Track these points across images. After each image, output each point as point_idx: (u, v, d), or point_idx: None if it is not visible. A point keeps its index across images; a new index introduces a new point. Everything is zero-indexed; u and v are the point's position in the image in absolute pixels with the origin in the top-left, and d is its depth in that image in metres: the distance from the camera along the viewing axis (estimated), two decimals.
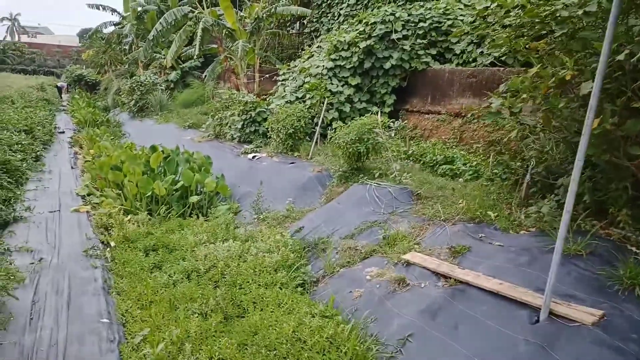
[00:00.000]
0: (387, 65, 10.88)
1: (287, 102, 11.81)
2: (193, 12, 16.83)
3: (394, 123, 8.39)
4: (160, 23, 16.29)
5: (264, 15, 16.11)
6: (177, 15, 16.39)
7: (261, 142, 11.25)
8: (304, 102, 11.71)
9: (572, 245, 4.63)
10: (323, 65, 11.45)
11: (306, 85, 11.40)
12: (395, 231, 6.02)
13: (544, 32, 5.73)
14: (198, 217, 8.15)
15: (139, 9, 27.06)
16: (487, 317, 4.26)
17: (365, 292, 5.04)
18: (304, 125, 10.05)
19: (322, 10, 16.77)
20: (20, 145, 10.82)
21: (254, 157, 10.29)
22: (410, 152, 8.94)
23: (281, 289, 5.03)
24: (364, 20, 11.62)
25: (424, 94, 10.89)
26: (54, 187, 9.12)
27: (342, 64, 11.42)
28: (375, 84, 11.29)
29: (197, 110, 19.27)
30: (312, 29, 17.30)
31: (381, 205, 6.79)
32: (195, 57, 15.59)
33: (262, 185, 8.15)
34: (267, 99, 12.66)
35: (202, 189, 8.58)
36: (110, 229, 6.88)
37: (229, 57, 17.53)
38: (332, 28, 16.00)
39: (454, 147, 9.23)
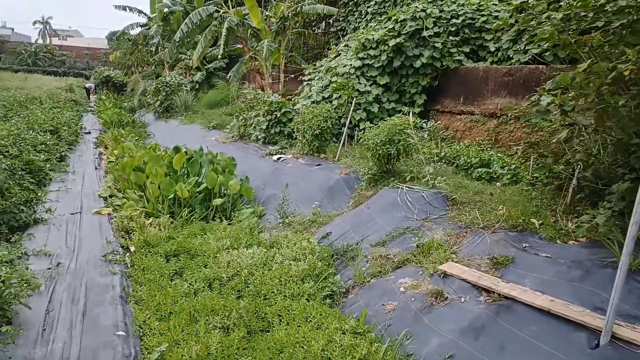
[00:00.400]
0: (418, 64, 10.43)
1: (313, 102, 11.49)
2: (218, 11, 16.70)
3: (426, 124, 7.95)
4: (186, 23, 16.20)
5: (290, 14, 15.85)
6: (203, 15, 16.27)
7: (286, 143, 10.95)
8: (331, 102, 11.36)
9: (635, 260, 4.15)
10: (350, 64, 11.08)
11: (333, 85, 11.05)
12: (429, 239, 5.61)
13: (594, 24, 5.25)
14: (221, 221, 7.89)
15: (165, 10, 27.21)
16: (538, 339, 3.82)
17: (400, 306, 4.65)
18: (330, 125, 9.70)
19: (349, 8, 16.40)
20: (45, 146, 10.78)
21: (279, 158, 9.98)
22: (442, 154, 8.48)
23: (308, 301, 4.68)
24: (393, 18, 11.21)
25: (456, 94, 10.40)
26: (77, 188, 9.00)
27: (370, 62, 11.04)
28: (405, 83, 10.86)
29: (221, 111, 19.15)
30: (339, 28, 16.95)
31: (414, 210, 6.38)
32: (219, 57, 15.36)
33: (287, 188, 7.82)
34: (293, 99, 12.36)
35: (225, 191, 8.31)
36: (131, 233, 6.66)
37: (254, 57, 17.34)
38: (359, 27, 15.61)
39: (489, 148, 8.73)
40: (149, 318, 4.35)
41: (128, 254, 5.86)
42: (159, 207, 7.56)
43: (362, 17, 15.56)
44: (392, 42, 10.58)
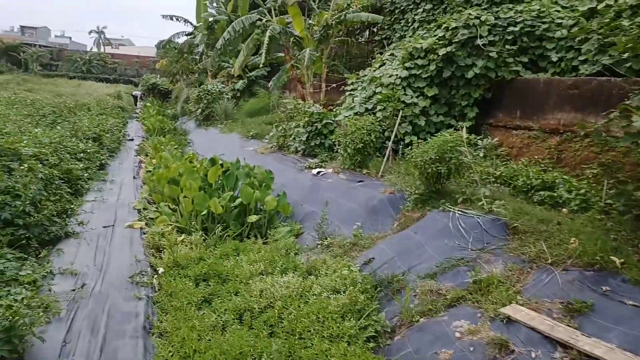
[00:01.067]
0: (470, 74, 9.71)
1: (355, 113, 10.95)
2: (261, 20, 16.50)
3: (482, 140, 7.24)
4: (228, 32, 16.08)
5: (334, 22, 15.43)
6: (245, 24, 16.11)
7: (326, 156, 10.45)
8: (374, 113, 10.80)
9: None
10: (396, 74, 10.48)
11: (377, 96, 10.49)
12: (488, 274, 4.92)
13: None
14: (256, 238, 7.46)
15: (210, 19, 27.51)
16: None
17: (456, 356, 4.01)
18: (374, 139, 9.13)
19: (395, 16, 15.80)
20: (85, 154, 10.75)
21: (318, 172, 9.49)
22: (497, 173, 7.72)
23: (349, 345, 4.11)
24: (443, 25, 10.53)
25: (512, 107, 9.60)
26: (113, 198, 8.83)
27: (417, 72, 10.40)
28: (455, 95, 10.14)
29: (261, 120, 18.94)
30: (383, 36, 16.37)
31: (468, 238, 5.70)
32: (261, 65, 15.11)
33: (327, 206, 7.29)
34: (334, 110, 11.87)
35: (261, 207, 7.88)
36: (162, 250, 6.32)
37: (296, 65, 17.03)
38: (406, 35, 14.97)
39: (550, 168, 7.90)
40: (171, 356, 3.91)
41: (156, 276, 5.48)
42: (191, 223, 7.20)
43: (409, 25, 14.92)
44: (442, 51, 9.91)
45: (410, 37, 14.44)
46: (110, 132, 15.55)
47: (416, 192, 7.13)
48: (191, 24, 29.95)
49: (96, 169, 10.87)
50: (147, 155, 14.52)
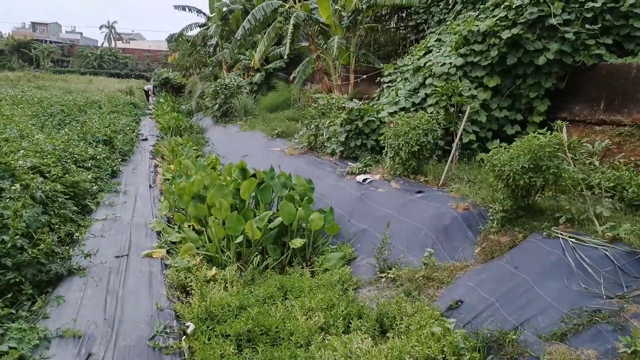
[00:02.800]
0: (541, 61, 8.19)
1: (401, 109, 9.51)
2: (283, 6, 15.03)
3: (598, 144, 5.74)
4: (248, 20, 14.66)
5: (364, 6, 13.92)
6: (267, 11, 14.67)
7: (370, 159, 9.02)
8: (423, 109, 9.34)
9: None
10: (451, 63, 8.98)
11: (427, 89, 9.03)
12: None
13: None
14: (301, 267, 6.12)
15: (224, 9, 26.14)
16: None
17: None
18: (432, 140, 7.68)
19: None
20: (95, 160, 9.47)
21: (364, 180, 8.08)
22: (596, 180, 6.23)
23: None
24: (504, 4, 9.00)
25: (594, 98, 8.08)
26: (127, 215, 7.52)
27: (474, 60, 8.91)
28: (520, 86, 8.64)
29: (283, 115, 17.55)
30: (419, 20, 14.81)
31: (598, 279, 4.27)
32: (285, 56, 13.71)
33: (389, 228, 5.89)
34: (372, 105, 10.40)
35: (304, 225, 6.50)
36: (189, 292, 4.99)
37: (322, 56, 15.56)
38: (446, 19, 13.42)
39: None
40: None
41: (185, 337, 4.14)
42: (223, 250, 5.87)
43: (450, 7, 13.35)
44: (505, 34, 8.39)
45: (452, 20, 12.90)
46: (122, 132, 14.29)
47: (502, 208, 5.69)
48: (204, 14, 28.59)
49: (107, 177, 9.59)
50: (163, 158, 13.24)
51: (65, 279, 5.06)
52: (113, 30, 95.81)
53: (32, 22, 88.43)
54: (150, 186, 9.65)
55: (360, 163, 8.86)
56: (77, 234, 6.08)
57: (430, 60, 9.88)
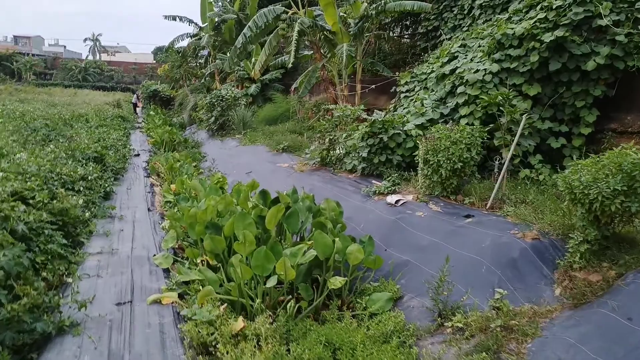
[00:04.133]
0: (590, 66, 7.35)
1: (428, 120, 8.62)
2: (286, 12, 14.15)
3: None
4: (249, 27, 13.72)
5: (373, 12, 13.09)
6: (269, 18, 13.76)
7: (397, 176, 8.07)
8: (453, 120, 8.46)
9: None
10: (485, 69, 8.12)
11: (460, 98, 8.15)
12: None
13: None
14: (339, 309, 5.10)
15: (217, 19, 25.24)
16: None
17: None
18: (475, 156, 6.76)
19: (444, 3, 13.48)
20: (85, 181, 8.37)
21: (397, 201, 7.11)
22: None
23: None
24: (542, 4, 8.21)
25: None
26: (125, 247, 6.43)
27: (511, 66, 8.07)
28: (564, 94, 7.80)
29: (284, 128, 16.61)
30: (429, 27, 14.04)
31: None
32: (290, 65, 12.78)
33: (447, 262, 4.91)
34: (394, 116, 9.48)
35: (337, 257, 5.49)
36: (212, 352, 3.94)
37: (326, 65, 14.69)
38: (461, 25, 12.65)
39: None
40: None
41: None
42: (249, 293, 4.83)
43: (465, 12, 12.59)
44: (548, 37, 7.57)
45: (469, 25, 12.14)
46: (113, 147, 13.16)
47: (586, 238, 4.75)
48: (196, 24, 27.62)
49: (100, 200, 8.48)
50: (159, 176, 12.15)
51: (54, 339, 3.97)
52: (98, 43, 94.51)
53: (14, 36, 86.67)
54: (148, 209, 8.56)
55: (388, 181, 7.90)
56: (67, 276, 4.98)
57: (458, 67, 9.03)
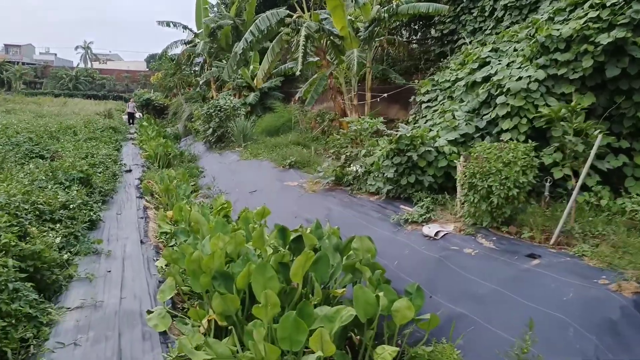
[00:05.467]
0: None
1: (461, 135, 7.53)
2: (291, 16, 13.08)
3: None
4: (251, 32, 12.63)
5: (386, 15, 12.05)
6: (272, 22, 12.68)
7: (430, 201, 6.95)
8: (490, 134, 7.39)
9: None
10: (529, 77, 7.05)
11: (501, 110, 7.07)
12: None
13: None
14: None
15: (212, 25, 24.16)
16: None
17: None
18: (532, 181, 5.67)
19: (462, 4, 12.45)
20: (67, 210, 7.18)
21: (437, 233, 5.99)
22: None
23: None
24: (594, 1, 7.18)
25: None
26: (113, 297, 5.26)
27: (558, 72, 7.01)
28: (622, 105, 6.73)
29: (286, 140, 15.47)
30: (445, 31, 13.00)
31: None
32: (298, 72, 11.68)
33: (531, 329, 3.79)
34: (419, 130, 8.39)
35: (380, 313, 4.34)
36: None
37: (333, 73, 13.62)
38: (482, 27, 11.63)
39: None
40: None
41: None
42: None
43: (486, 13, 11.56)
44: (603, 39, 6.53)
45: (491, 29, 11.12)
46: (102, 164, 11.97)
47: None
48: (191, 30, 26.53)
49: (84, 230, 7.30)
50: (153, 196, 10.97)
51: None
52: (89, 51, 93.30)
53: (4, 44, 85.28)
54: (141, 241, 7.38)
55: (421, 208, 6.77)
56: (36, 346, 3.81)
57: (492, 73, 7.97)
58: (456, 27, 12.70)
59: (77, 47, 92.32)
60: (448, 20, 12.99)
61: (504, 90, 7.21)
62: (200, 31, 25.97)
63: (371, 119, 9.75)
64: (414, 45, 16.42)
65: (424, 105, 9.82)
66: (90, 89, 63.82)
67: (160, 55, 28.99)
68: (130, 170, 14.46)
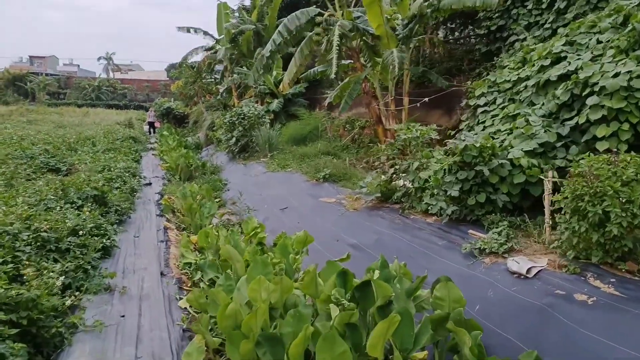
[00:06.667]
0: None
1: (540, 144, 6.26)
2: (322, 15, 12.00)
3: None
4: (279, 33, 11.58)
5: (428, 11, 10.85)
6: (301, 21, 11.62)
7: (507, 225, 5.70)
8: (577, 143, 6.12)
9: None
10: (629, 72, 5.76)
11: (594, 113, 5.79)
12: None
13: None
14: None
15: (233, 30, 23.30)
16: None
17: None
18: None
19: None
20: (77, 236, 6.14)
21: (529, 270, 4.73)
22: None
23: None
24: None
25: None
26: (125, 355, 4.16)
27: None
28: None
29: (315, 149, 14.39)
30: (493, 27, 11.72)
31: None
32: (333, 75, 10.54)
33: None
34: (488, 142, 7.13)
35: None
36: None
37: (367, 76, 12.47)
38: (539, 21, 10.34)
39: None
40: None
41: None
42: None
43: (543, 5, 10.26)
44: None
45: (552, 22, 9.83)
46: (120, 179, 11.01)
47: None
48: (211, 36, 25.74)
49: (96, 258, 6.24)
50: (174, 213, 9.95)
51: None
52: (111, 62, 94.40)
53: (29, 56, 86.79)
54: (161, 273, 6.30)
55: (498, 234, 5.52)
56: None
57: (570, 70, 6.69)
58: (506, 22, 11.42)
59: (99, 58, 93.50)
60: (496, 15, 11.71)
61: (596, 89, 5.94)
62: (221, 37, 25.17)
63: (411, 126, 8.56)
64: (454, 45, 15.16)
65: (479, 110, 8.57)
66: (112, 99, 64.12)
67: (180, 62, 28.21)
68: (150, 184, 13.51)
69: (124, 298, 5.47)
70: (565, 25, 9.01)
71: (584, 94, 6.08)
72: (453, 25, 15.68)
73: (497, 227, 5.73)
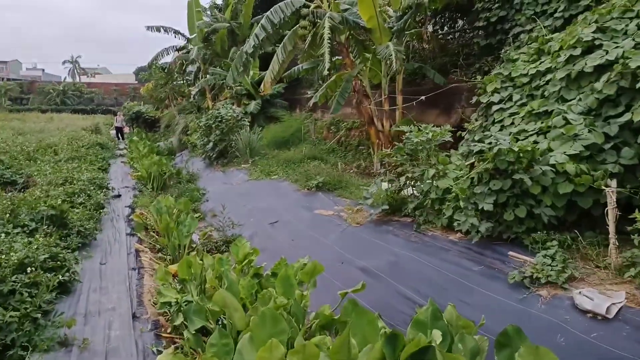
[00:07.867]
0: None
1: (586, 147, 5.32)
2: (307, 6, 10.90)
3: None
4: (262, 27, 10.41)
5: (426, 1, 9.91)
6: (286, 13, 10.48)
7: (557, 245, 4.72)
8: (629, 145, 5.21)
9: None
10: None
11: None
12: None
13: None
14: None
15: (206, 29, 22.01)
16: None
17: None
18: None
19: None
20: (25, 273, 4.86)
21: (608, 309, 3.74)
22: None
23: None
24: None
25: None
26: None
27: None
28: None
29: (299, 153, 13.33)
30: (493, 19, 10.84)
31: None
32: (326, 72, 9.43)
33: None
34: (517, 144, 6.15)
35: None
36: None
37: (359, 74, 11.44)
38: (547, 10, 9.49)
39: None
40: None
41: None
42: None
43: None
44: None
45: (562, 11, 9.02)
46: (83, 193, 9.62)
47: None
48: (183, 35, 24.30)
49: (48, 302, 4.97)
50: (147, 230, 8.67)
51: None
52: (77, 65, 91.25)
53: None
54: (133, 315, 5.07)
55: (551, 258, 4.53)
56: None
57: (609, 59, 5.79)
58: (507, 13, 10.55)
59: (64, 62, 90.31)
60: (496, 6, 10.83)
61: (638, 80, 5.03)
62: (193, 36, 23.81)
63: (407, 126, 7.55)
64: (445, 39, 14.29)
65: (494, 107, 7.62)
66: (79, 104, 61.57)
67: (150, 64, 26.60)
68: (119, 195, 12.13)
69: (85, 356, 4.24)
70: (578, 14, 8.20)
71: (637, 86, 5.17)
72: (442, 20, 14.83)
73: (545, 248, 4.74)
